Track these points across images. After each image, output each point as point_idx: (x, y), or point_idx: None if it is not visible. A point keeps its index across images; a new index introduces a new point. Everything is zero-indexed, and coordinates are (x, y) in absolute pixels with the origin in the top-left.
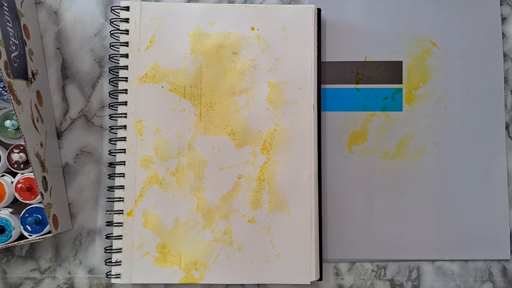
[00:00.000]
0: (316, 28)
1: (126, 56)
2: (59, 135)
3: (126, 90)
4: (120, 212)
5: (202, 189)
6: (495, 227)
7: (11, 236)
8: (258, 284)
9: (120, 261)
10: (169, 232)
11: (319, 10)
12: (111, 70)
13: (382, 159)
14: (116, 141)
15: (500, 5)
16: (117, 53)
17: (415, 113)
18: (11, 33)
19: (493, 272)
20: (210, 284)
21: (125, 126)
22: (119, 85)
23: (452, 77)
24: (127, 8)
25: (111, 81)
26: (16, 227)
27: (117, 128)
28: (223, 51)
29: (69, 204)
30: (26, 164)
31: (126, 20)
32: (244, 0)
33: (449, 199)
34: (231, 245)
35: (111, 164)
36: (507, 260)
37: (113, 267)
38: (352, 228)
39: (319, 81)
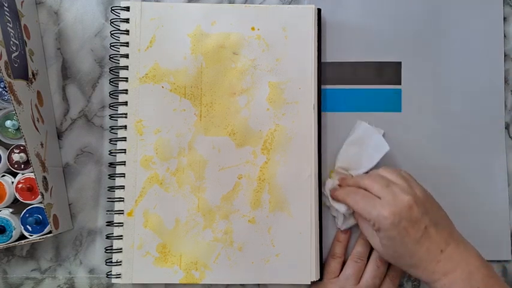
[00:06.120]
0: (316, 28)
1: (127, 56)
2: (60, 135)
3: (127, 90)
4: (121, 212)
5: (202, 189)
6: (495, 227)
7: (11, 236)
8: (258, 284)
9: (120, 261)
10: (169, 232)
11: (319, 10)
12: (111, 70)
13: (382, 160)
14: (116, 141)
15: (503, 5)
16: (118, 53)
17: (414, 113)
18: (11, 34)
19: None
20: (210, 284)
21: (125, 127)
22: (119, 85)
23: (452, 78)
24: (127, 8)
25: (112, 82)
26: (16, 227)
27: (117, 128)
28: (224, 52)
29: (69, 204)
30: (27, 164)
31: (127, 20)
32: (245, 1)
33: (449, 199)
34: (231, 245)
35: (112, 164)
36: (508, 260)
37: (113, 267)
38: (353, 228)
39: (320, 81)
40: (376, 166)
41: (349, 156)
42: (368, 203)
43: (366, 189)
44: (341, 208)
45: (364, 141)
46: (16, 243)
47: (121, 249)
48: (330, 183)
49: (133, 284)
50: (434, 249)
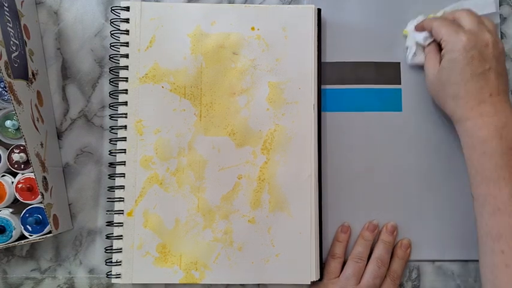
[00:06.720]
0: (316, 28)
1: (127, 56)
2: (59, 135)
3: (127, 90)
4: (121, 212)
5: (202, 189)
6: None
7: (11, 236)
8: (258, 284)
9: (120, 261)
10: (169, 232)
11: (319, 10)
12: (111, 70)
13: (382, 160)
14: (116, 141)
15: (500, 5)
16: (118, 53)
17: (414, 113)
18: (11, 34)
19: None
20: (210, 284)
21: (125, 127)
22: (119, 85)
23: None
24: (127, 8)
25: (112, 82)
26: (16, 227)
27: (117, 128)
28: (224, 52)
29: (69, 204)
30: (27, 164)
31: (127, 20)
32: (245, 1)
33: (449, 199)
34: (231, 245)
35: (112, 164)
36: None
37: (113, 267)
38: (353, 229)
39: (319, 81)
40: None
41: (454, 7)
42: (452, 27)
43: (457, 20)
44: (419, 36)
45: (476, 3)
46: (16, 243)
47: (121, 249)
48: (420, 18)
49: (133, 284)
50: (485, 91)
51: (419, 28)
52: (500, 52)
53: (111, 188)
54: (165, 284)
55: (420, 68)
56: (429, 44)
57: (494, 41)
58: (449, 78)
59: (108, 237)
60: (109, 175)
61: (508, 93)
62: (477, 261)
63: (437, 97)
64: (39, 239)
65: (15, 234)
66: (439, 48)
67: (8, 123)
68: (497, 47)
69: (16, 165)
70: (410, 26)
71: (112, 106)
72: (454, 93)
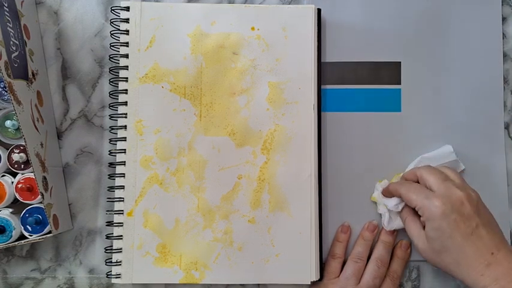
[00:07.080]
0: (316, 28)
1: (127, 56)
2: (59, 135)
3: (127, 90)
4: (121, 212)
5: (202, 189)
6: None
7: (11, 236)
8: (258, 284)
9: (120, 261)
10: (169, 232)
11: (319, 10)
12: (111, 70)
13: (382, 160)
14: (116, 141)
15: (501, 5)
16: (118, 53)
17: (414, 113)
18: (11, 34)
19: None
20: (210, 284)
21: (125, 127)
22: (119, 85)
23: (452, 77)
24: (127, 8)
25: (112, 82)
26: (16, 227)
27: (117, 128)
28: (224, 52)
29: (69, 204)
30: (27, 164)
31: (127, 20)
32: (245, 1)
33: None
34: (231, 245)
35: (112, 164)
36: None
37: (113, 267)
38: (353, 229)
39: (320, 81)
40: None
41: (416, 163)
42: (421, 193)
43: (421, 180)
44: (389, 203)
45: (436, 155)
46: (16, 243)
47: (121, 249)
48: (385, 183)
49: (133, 284)
50: (485, 251)
51: (387, 194)
52: (477, 202)
53: (111, 188)
54: (165, 284)
55: (421, 68)
56: (402, 209)
57: (467, 195)
58: (443, 247)
59: (108, 237)
60: (109, 175)
61: (505, 241)
62: None
63: (437, 265)
64: (39, 239)
65: (15, 234)
66: (414, 210)
67: (8, 123)
68: (472, 200)
69: (16, 165)
70: (377, 193)
71: (112, 106)
72: (455, 261)
